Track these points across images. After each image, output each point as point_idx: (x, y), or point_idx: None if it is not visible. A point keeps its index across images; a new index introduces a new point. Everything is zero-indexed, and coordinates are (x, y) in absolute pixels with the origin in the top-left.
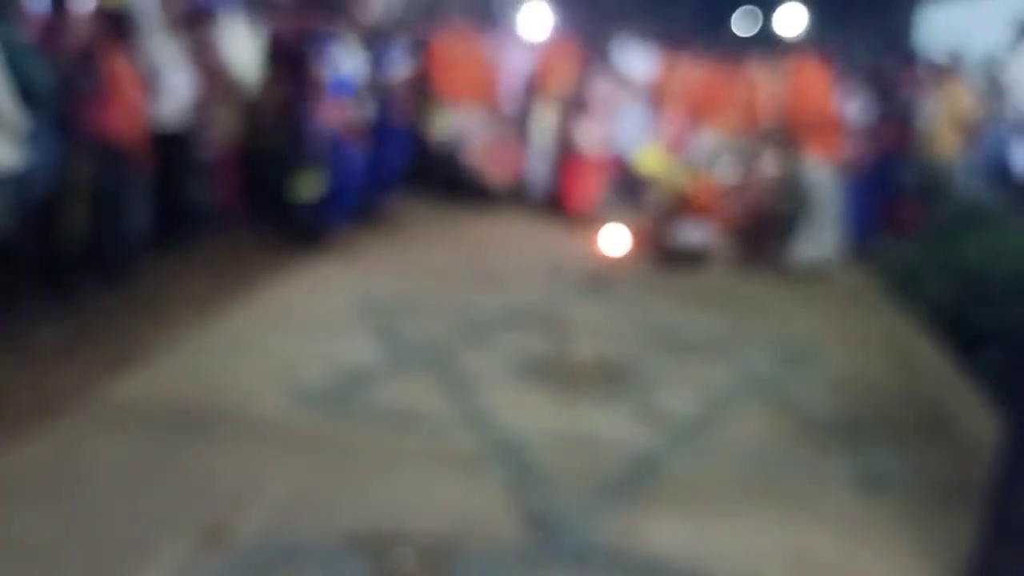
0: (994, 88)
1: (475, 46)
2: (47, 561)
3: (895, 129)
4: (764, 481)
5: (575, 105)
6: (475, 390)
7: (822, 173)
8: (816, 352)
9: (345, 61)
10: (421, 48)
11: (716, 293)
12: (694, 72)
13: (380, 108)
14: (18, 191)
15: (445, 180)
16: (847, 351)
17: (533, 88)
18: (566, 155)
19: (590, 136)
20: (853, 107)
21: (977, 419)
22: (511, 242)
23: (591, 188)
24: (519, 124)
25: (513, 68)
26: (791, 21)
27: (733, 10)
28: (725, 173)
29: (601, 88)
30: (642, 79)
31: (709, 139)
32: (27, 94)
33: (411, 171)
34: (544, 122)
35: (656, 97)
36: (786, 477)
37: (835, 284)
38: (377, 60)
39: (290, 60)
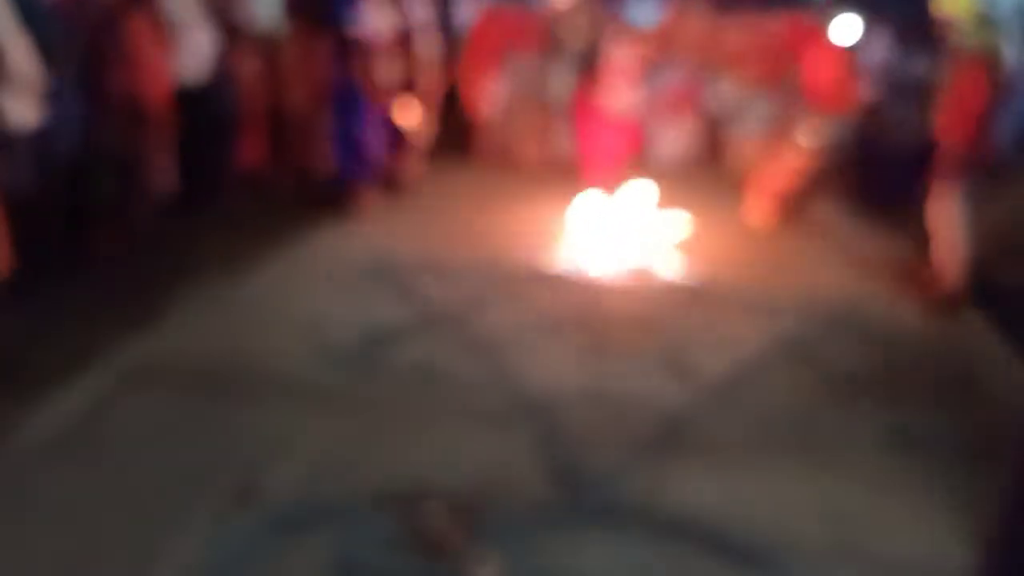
0: None
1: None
2: (80, 520)
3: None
4: (794, 438)
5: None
6: (502, 348)
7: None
8: (847, 309)
9: (371, 16)
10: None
11: (747, 250)
12: (707, 16)
13: (407, 69)
14: (40, 149)
15: (469, 149)
16: (878, 308)
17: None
18: (584, 116)
19: (616, 95)
20: (878, 63)
21: (1009, 376)
22: (537, 202)
23: (614, 155)
24: (539, 85)
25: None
26: None
27: None
28: (751, 129)
29: (621, 52)
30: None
31: (729, 91)
32: (46, 53)
33: (437, 135)
34: (562, 80)
35: (664, 46)
36: (816, 434)
37: (865, 242)
38: (405, 18)
39: (314, 14)
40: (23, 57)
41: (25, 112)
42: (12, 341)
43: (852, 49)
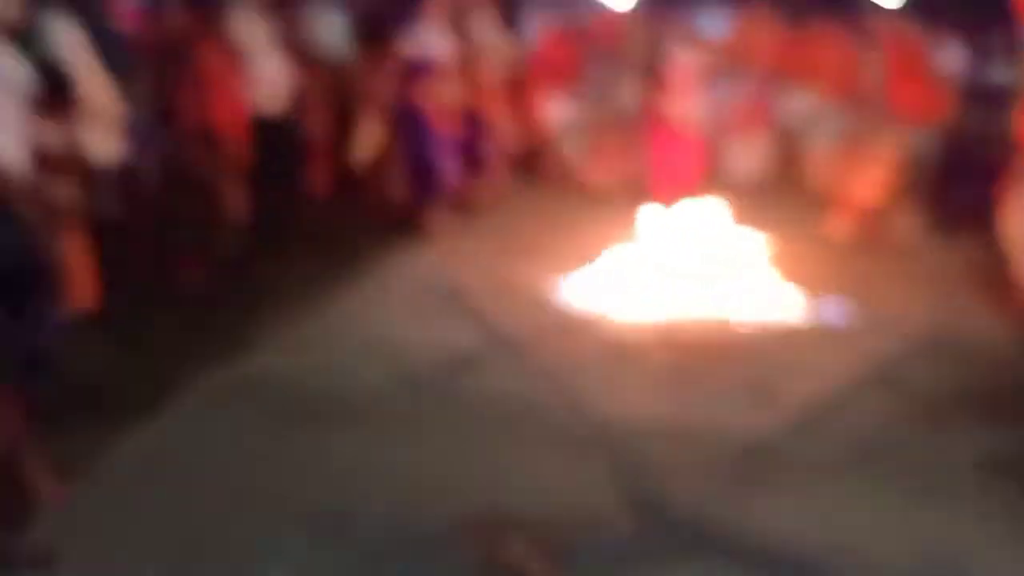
0: None
1: (569, 30)
2: (167, 548)
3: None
4: (885, 464)
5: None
6: (578, 375)
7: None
8: (935, 327)
9: (434, 39)
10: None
11: (828, 269)
12: (779, 26)
13: (470, 93)
14: (123, 180)
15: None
16: (967, 325)
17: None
18: (651, 130)
19: (680, 106)
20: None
21: None
22: (608, 223)
23: (686, 172)
24: (606, 102)
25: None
26: None
27: None
28: (827, 142)
29: (685, 58)
30: (717, 39)
31: (803, 103)
32: (123, 83)
33: (512, 160)
34: (628, 94)
35: (734, 58)
36: (909, 459)
37: (951, 257)
38: (469, 42)
39: (380, 39)
40: (102, 91)
41: (106, 145)
42: (100, 368)
43: (932, 59)
